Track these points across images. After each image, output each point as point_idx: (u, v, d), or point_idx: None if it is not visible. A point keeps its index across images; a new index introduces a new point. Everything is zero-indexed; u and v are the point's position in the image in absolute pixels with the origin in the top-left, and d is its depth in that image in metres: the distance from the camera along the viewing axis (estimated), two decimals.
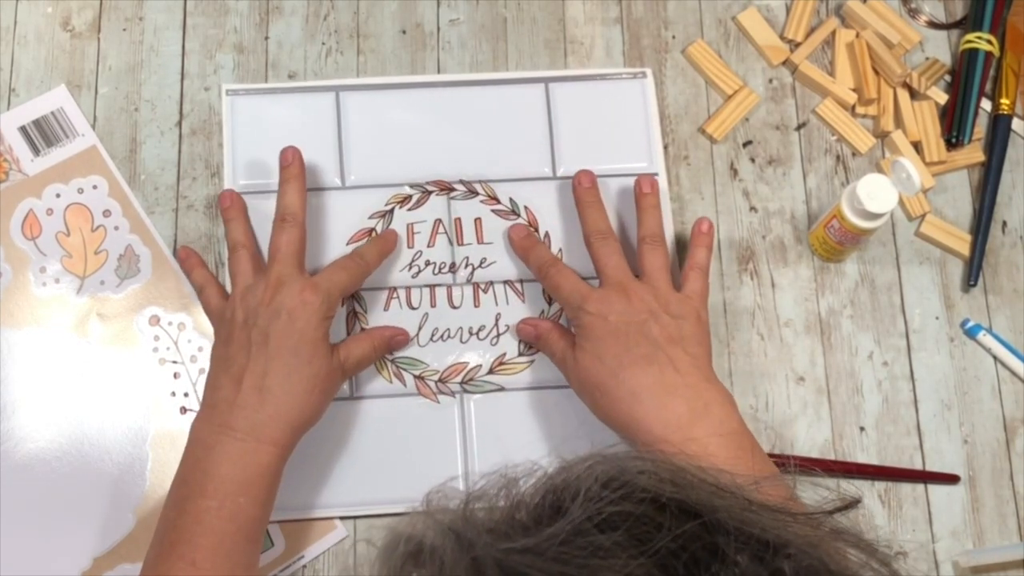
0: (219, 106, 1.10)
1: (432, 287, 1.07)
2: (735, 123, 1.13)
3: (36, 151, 1.07)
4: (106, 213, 1.07)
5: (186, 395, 1.02)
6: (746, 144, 1.13)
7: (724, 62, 1.14)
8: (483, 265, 1.08)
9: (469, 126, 1.11)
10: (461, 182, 1.10)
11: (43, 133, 1.08)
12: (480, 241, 1.08)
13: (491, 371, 1.05)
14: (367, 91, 1.12)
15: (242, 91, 1.11)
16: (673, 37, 1.16)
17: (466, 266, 1.07)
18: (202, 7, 1.13)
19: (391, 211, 1.08)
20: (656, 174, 1.10)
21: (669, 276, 1.00)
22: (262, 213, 1.05)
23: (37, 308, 1.04)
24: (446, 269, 1.07)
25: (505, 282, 1.07)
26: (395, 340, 1.03)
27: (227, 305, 0.98)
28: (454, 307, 1.07)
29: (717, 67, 1.14)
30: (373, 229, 1.08)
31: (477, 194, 1.09)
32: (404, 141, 1.11)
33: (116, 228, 1.06)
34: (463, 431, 1.03)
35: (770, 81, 1.15)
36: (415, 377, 1.04)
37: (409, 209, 1.09)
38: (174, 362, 1.03)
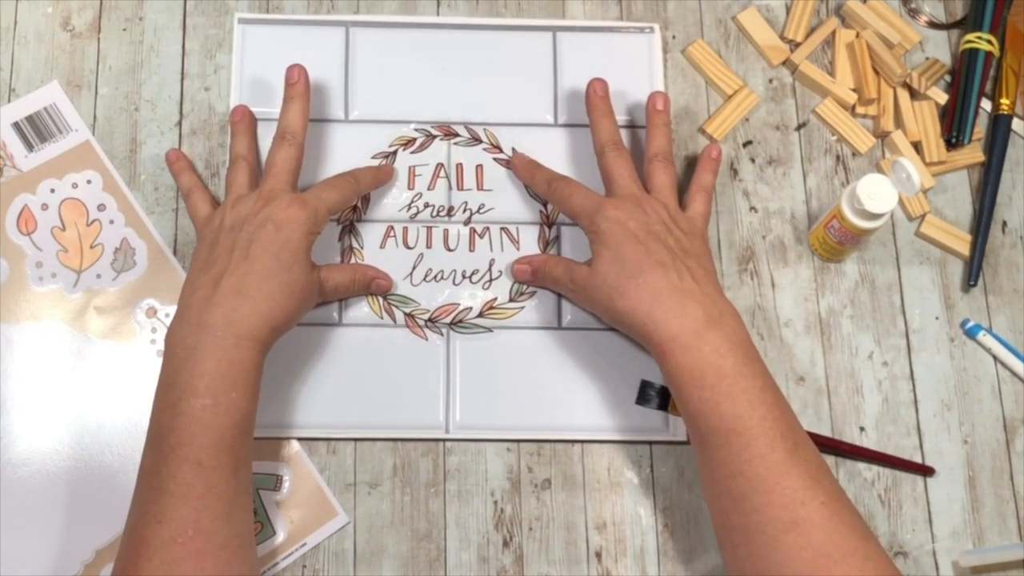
0: (219, 106, 1.10)
1: (429, 228, 1.09)
2: (735, 123, 1.13)
3: (30, 147, 1.07)
4: (101, 207, 1.07)
5: None
6: (746, 144, 1.13)
7: (724, 62, 1.14)
8: (481, 211, 1.09)
9: (475, 69, 1.13)
10: (464, 126, 1.11)
11: (36, 129, 1.08)
12: (480, 188, 1.10)
13: (481, 314, 1.07)
14: (377, 28, 1.14)
15: (254, 20, 1.13)
16: (673, 37, 1.16)
17: (464, 210, 1.09)
18: (202, 7, 1.14)
19: (394, 152, 1.10)
20: None
21: (677, 195, 1.03)
22: (259, 139, 1.08)
23: (34, 303, 1.04)
24: (444, 212, 1.09)
25: (501, 228, 1.09)
26: (376, 283, 1.05)
27: (216, 212, 0.99)
28: (449, 249, 1.08)
29: (717, 67, 1.14)
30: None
31: (480, 141, 1.11)
32: (410, 80, 1.12)
33: (111, 222, 1.06)
34: (447, 368, 1.05)
35: (770, 81, 1.15)
36: (405, 315, 1.06)
37: (412, 152, 1.11)
38: None
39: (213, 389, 0.89)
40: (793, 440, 0.89)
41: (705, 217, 1.03)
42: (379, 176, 1.07)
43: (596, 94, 1.07)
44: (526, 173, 1.08)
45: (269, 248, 0.94)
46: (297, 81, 1.04)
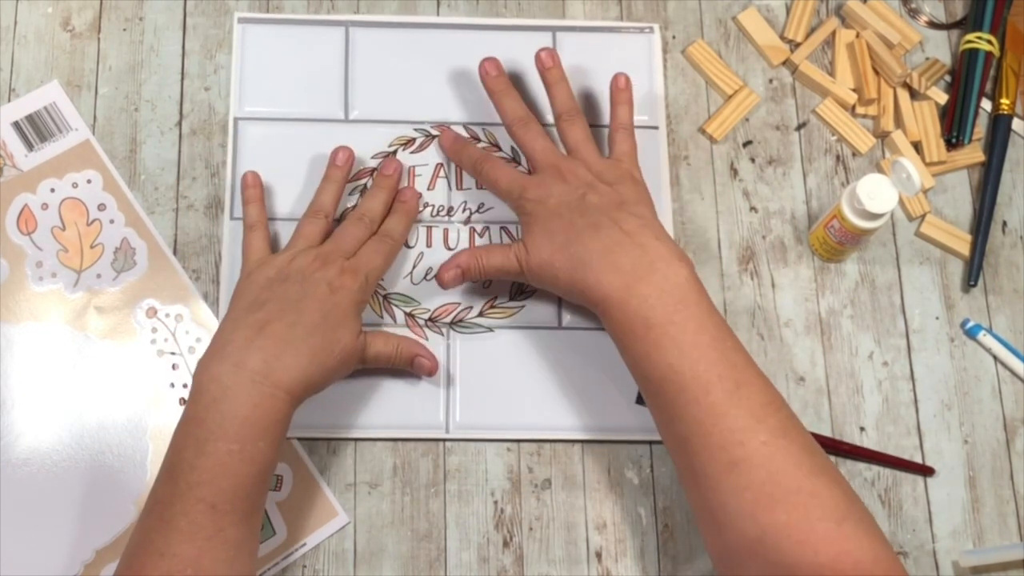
0: (219, 106, 1.10)
1: (429, 227, 1.09)
2: (735, 123, 1.13)
3: (30, 146, 1.07)
4: (101, 207, 1.07)
5: (185, 386, 1.02)
6: (746, 144, 1.13)
7: (724, 62, 1.14)
8: (480, 210, 1.09)
9: (475, 69, 1.11)
10: (464, 126, 1.11)
11: (36, 128, 1.08)
12: (480, 187, 1.09)
13: (481, 313, 1.07)
14: (377, 28, 1.14)
15: (254, 19, 1.13)
16: (673, 37, 1.16)
17: (464, 210, 1.09)
18: (202, 7, 1.13)
19: (394, 152, 1.10)
20: (656, 127, 1.12)
21: (594, 146, 1.03)
22: (258, 139, 1.09)
23: (35, 303, 1.04)
24: (444, 212, 1.09)
25: (501, 228, 1.09)
26: (419, 361, 1.01)
27: (273, 258, 0.99)
28: (449, 248, 1.08)
29: (717, 67, 1.14)
30: (375, 169, 1.09)
31: (479, 141, 1.11)
32: (410, 80, 1.12)
33: (111, 222, 1.06)
34: (447, 368, 1.05)
35: (770, 81, 1.15)
36: (406, 314, 1.06)
37: (412, 152, 1.11)
38: (172, 353, 1.03)
39: (242, 435, 0.87)
40: (734, 380, 0.88)
41: (631, 155, 1.03)
42: (408, 215, 1.06)
43: (489, 75, 1.07)
44: (453, 152, 1.09)
45: (320, 306, 0.94)
46: (391, 174, 1.07)
